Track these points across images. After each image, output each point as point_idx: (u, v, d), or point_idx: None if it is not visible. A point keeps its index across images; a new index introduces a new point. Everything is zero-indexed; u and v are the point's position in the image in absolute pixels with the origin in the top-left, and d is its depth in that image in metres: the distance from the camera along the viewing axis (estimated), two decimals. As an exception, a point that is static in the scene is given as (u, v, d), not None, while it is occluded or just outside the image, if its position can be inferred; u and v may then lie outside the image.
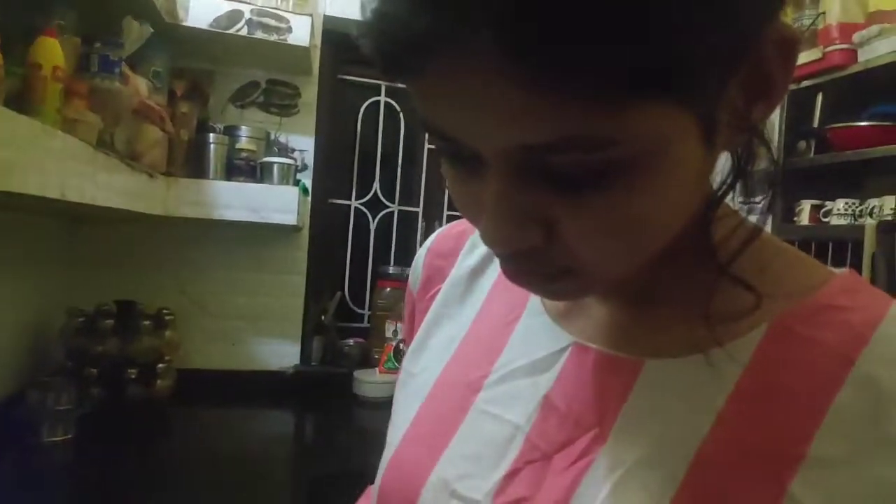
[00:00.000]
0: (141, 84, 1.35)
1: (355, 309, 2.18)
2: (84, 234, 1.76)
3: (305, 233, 1.95)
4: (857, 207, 1.49)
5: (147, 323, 1.61)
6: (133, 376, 1.55)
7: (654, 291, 0.41)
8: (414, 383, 0.50)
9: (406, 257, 2.24)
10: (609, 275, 0.37)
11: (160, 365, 1.62)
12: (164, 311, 1.70)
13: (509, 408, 0.43)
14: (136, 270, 1.81)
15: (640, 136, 0.29)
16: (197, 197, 1.61)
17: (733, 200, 0.40)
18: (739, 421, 0.36)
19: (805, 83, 1.56)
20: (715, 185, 0.39)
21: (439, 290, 0.53)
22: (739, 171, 0.38)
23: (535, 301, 0.47)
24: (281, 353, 1.93)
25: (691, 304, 0.39)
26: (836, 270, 0.40)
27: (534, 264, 0.35)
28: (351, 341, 2.04)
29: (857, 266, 1.36)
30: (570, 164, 0.31)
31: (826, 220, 1.54)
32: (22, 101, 0.94)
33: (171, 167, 1.56)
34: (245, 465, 1.45)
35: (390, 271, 2.08)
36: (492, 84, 0.28)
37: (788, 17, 1.66)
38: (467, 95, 0.29)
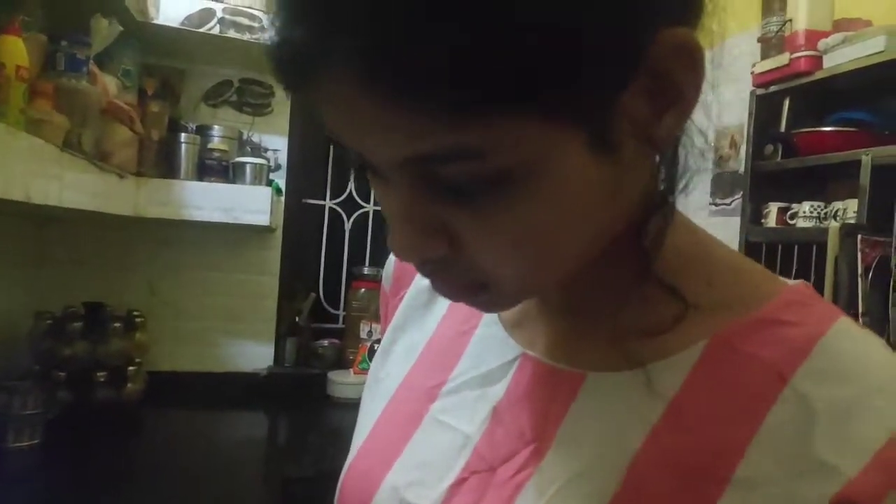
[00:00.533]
0: (110, 83, 1.33)
1: (330, 310, 2.17)
2: (52, 234, 1.73)
3: (279, 233, 1.94)
4: (822, 210, 1.52)
5: (117, 325, 1.59)
6: (102, 379, 1.53)
7: (597, 303, 0.41)
8: (378, 388, 0.50)
9: (381, 258, 2.21)
10: (523, 289, 0.38)
11: (130, 367, 1.60)
12: (134, 313, 1.68)
13: (461, 417, 0.43)
14: (105, 271, 1.78)
15: (508, 148, 0.30)
16: (168, 197, 1.59)
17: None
18: (673, 437, 0.36)
19: (773, 88, 1.59)
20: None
21: (406, 293, 0.53)
22: (668, 180, 0.38)
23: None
24: (254, 354, 1.92)
25: (634, 317, 0.39)
26: (789, 282, 0.40)
27: (447, 276, 0.36)
28: (325, 342, 2.03)
29: (822, 267, 1.39)
30: (456, 174, 0.31)
31: (793, 222, 1.58)
32: (-16, 102, 0.92)
33: (142, 167, 1.54)
34: (218, 468, 1.43)
35: (365, 272, 2.07)
36: (360, 104, 0.29)
37: (755, 22, 1.70)
38: (344, 113, 0.31)
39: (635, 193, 0.37)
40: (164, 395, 1.69)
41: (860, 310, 1.27)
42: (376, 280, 2.04)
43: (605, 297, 0.41)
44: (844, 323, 0.37)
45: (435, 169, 0.31)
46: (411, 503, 0.41)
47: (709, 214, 2.16)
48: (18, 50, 0.96)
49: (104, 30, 1.28)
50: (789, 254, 1.55)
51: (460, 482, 0.40)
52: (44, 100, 1.05)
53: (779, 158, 1.60)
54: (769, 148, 1.61)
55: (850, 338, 0.36)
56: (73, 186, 1.13)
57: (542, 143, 0.30)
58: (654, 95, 0.32)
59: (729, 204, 1.93)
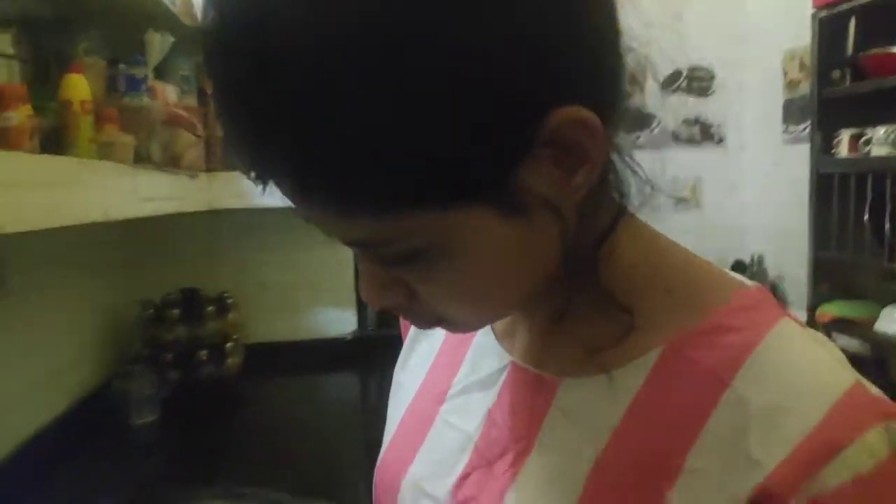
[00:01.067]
0: (170, 91, 1.43)
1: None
2: (147, 231, 1.91)
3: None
4: (899, 133, 1.42)
5: (210, 308, 1.75)
6: (204, 358, 1.70)
7: (571, 316, 0.45)
8: (399, 393, 0.57)
9: None
10: (475, 323, 0.44)
11: (228, 344, 1.77)
12: (225, 295, 1.84)
13: (464, 418, 0.49)
14: (197, 259, 1.94)
15: (416, 234, 0.35)
16: (239, 188, 1.70)
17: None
18: (631, 436, 0.40)
19: (837, 9, 1.47)
20: None
21: None
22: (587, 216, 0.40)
23: None
24: (339, 320, 2.05)
25: (594, 328, 0.43)
26: (746, 284, 0.43)
27: (412, 315, 0.42)
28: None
29: None
30: (386, 252, 0.37)
31: (866, 149, 1.48)
32: (58, 136, 1.04)
33: (211, 163, 1.66)
34: (315, 428, 1.58)
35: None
36: (303, 206, 0.36)
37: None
38: (300, 208, 0.37)
39: (579, 229, 0.40)
40: (261, 365, 1.86)
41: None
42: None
43: (573, 310, 0.44)
44: (781, 328, 0.40)
45: (371, 248, 0.37)
46: (429, 493, 0.48)
47: (783, 143, 2.06)
48: (82, 86, 1.06)
49: (158, 44, 1.37)
50: (863, 185, 1.46)
51: (465, 476, 0.47)
52: (110, 124, 1.16)
53: (847, 83, 1.49)
54: (836, 73, 1.50)
55: (783, 344, 0.39)
56: (147, 196, 1.25)
57: (446, 224, 0.35)
58: (560, 160, 0.36)
59: (802, 131, 1.83)
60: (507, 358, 0.48)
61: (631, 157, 0.44)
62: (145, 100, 1.27)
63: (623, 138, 0.42)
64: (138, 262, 1.90)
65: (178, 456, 1.44)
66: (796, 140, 1.90)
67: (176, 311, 1.70)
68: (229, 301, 1.82)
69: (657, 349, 0.41)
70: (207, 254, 1.95)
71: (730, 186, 2.31)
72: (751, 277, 1.65)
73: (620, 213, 0.42)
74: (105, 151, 1.12)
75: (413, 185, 0.33)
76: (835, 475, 0.34)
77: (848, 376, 0.38)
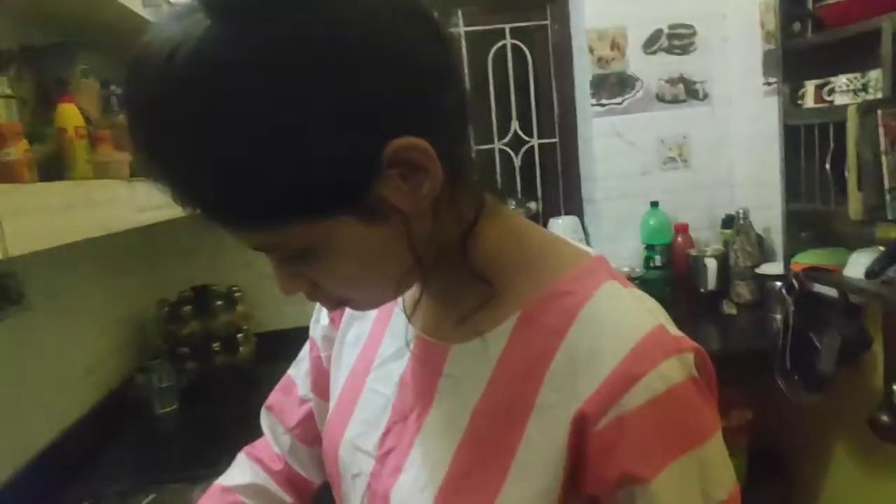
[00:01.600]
0: (160, 106, 1.53)
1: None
2: (158, 233, 2.03)
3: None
4: (859, 82, 1.45)
5: (219, 303, 1.87)
6: (218, 348, 1.83)
7: (453, 293, 0.56)
8: (339, 369, 0.68)
9: (550, 189, 2.49)
10: (369, 303, 0.54)
11: (239, 335, 1.89)
12: (234, 288, 1.96)
13: (384, 384, 0.60)
14: (206, 257, 2.06)
15: (296, 239, 0.45)
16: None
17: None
18: (500, 384, 0.51)
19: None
20: None
21: None
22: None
23: (400, 301, 0.62)
24: (344, 304, 2.16)
25: (467, 300, 0.53)
26: (591, 254, 0.54)
27: (319, 300, 0.52)
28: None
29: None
30: (279, 254, 0.47)
31: (830, 98, 1.52)
32: (57, 161, 1.14)
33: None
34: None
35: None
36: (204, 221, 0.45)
37: None
38: None
39: (442, 224, 0.50)
40: (271, 351, 1.98)
41: (886, 185, 1.25)
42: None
43: (453, 286, 0.55)
44: (605, 288, 0.50)
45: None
46: (361, 448, 0.59)
47: (764, 95, 2.08)
48: (74, 113, 1.16)
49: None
50: (826, 135, 1.51)
51: (387, 431, 0.58)
52: (105, 144, 1.26)
53: (809, 34, 1.53)
54: (797, 25, 1.54)
55: (604, 300, 0.50)
56: (146, 207, 1.36)
57: (320, 232, 0.45)
58: (407, 176, 0.45)
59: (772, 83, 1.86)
60: (411, 331, 0.59)
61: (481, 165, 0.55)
62: (135, 117, 1.37)
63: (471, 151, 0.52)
64: (151, 265, 2.03)
65: (198, 439, 1.58)
66: (775, 92, 1.93)
67: (189, 308, 1.82)
68: (237, 294, 1.94)
69: (516, 314, 0.52)
70: (214, 251, 2.07)
71: (717, 142, 2.34)
72: (737, 232, 1.74)
73: (481, 207, 0.52)
74: (101, 170, 1.22)
75: (288, 203, 0.43)
76: (634, 399, 0.45)
77: (651, 321, 0.48)
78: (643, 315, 0.49)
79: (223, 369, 1.82)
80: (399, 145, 0.43)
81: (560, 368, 0.48)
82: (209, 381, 1.80)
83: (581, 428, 0.46)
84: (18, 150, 0.97)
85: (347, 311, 0.69)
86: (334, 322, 0.71)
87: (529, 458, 0.48)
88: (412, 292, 0.58)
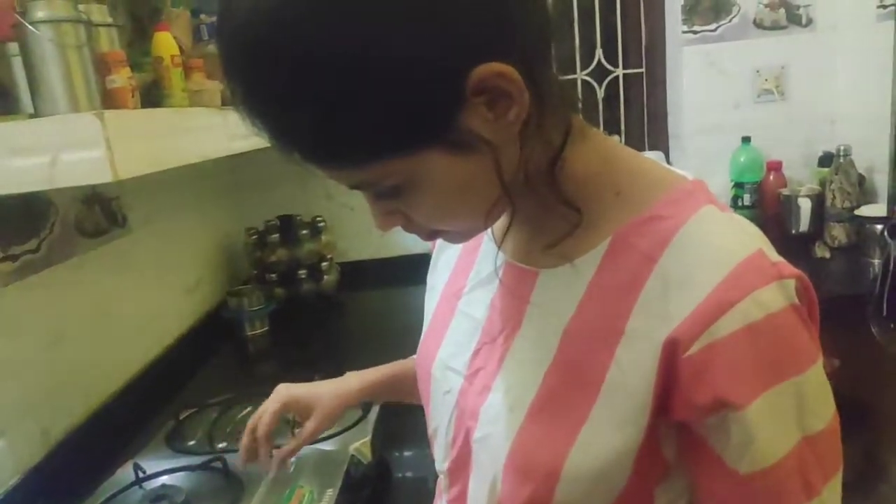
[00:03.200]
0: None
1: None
2: (243, 164, 2.10)
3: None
4: None
5: (304, 232, 1.93)
6: (304, 276, 1.90)
7: (542, 220, 0.56)
8: (431, 294, 0.71)
9: (633, 123, 2.38)
10: (462, 234, 0.55)
11: (324, 263, 1.96)
12: (318, 219, 2.01)
13: (475, 308, 0.62)
14: (291, 188, 2.12)
15: (390, 176, 0.46)
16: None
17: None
18: (589, 309, 0.51)
19: None
20: None
21: None
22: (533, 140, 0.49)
23: (488, 231, 0.63)
24: (419, 239, 2.18)
25: (557, 227, 0.53)
26: (688, 179, 0.53)
27: (414, 232, 0.54)
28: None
29: None
30: (374, 191, 0.48)
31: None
32: (155, 89, 1.19)
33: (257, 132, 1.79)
34: (401, 332, 1.74)
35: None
36: (302, 163, 0.47)
37: None
38: None
39: (530, 152, 0.49)
40: (355, 280, 2.05)
41: None
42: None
43: (542, 214, 0.55)
44: (702, 213, 0.49)
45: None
46: (452, 367, 0.62)
47: (877, 20, 1.91)
48: (169, 42, 1.20)
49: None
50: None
51: (476, 352, 0.60)
52: (198, 72, 1.30)
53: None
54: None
55: (701, 224, 0.48)
56: (238, 135, 1.40)
57: (411, 166, 0.45)
58: (492, 104, 0.44)
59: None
60: (501, 258, 0.59)
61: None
62: (225, 46, 1.40)
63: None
64: (238, 195, 2.11)
65: (285, 359, 1.67)
66: (890, 16, 1.76)
67: (276, 236, 1.89)
68: (321, 224, 2.00)
69: (607, 239, 0.51)
70: (298, 182, 2.13)
71: (818, 73, 2.17)
72: (836, 171, 1.65)
73: (568, 132, 0.51)
74: (195, 98, 1.27)
75: (380, 140, 0.44)
76: (728, 325, 0.44)
77: (750, 246, 0.46)
78: (741, 239, 0.47)
79: (309, 296, 1.90)
80: (483, 72, 0.42)
81: (652, 294, 0.48)
82: (296, 306, 1.88)
83: (672, 353, 0.46)
84: (122, 78, 1.02)
85: (439, 240, 0.71)
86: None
87: (618, 382, 0.48)
88: (501, 220, 0.58)
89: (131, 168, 1.05)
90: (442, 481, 0.66)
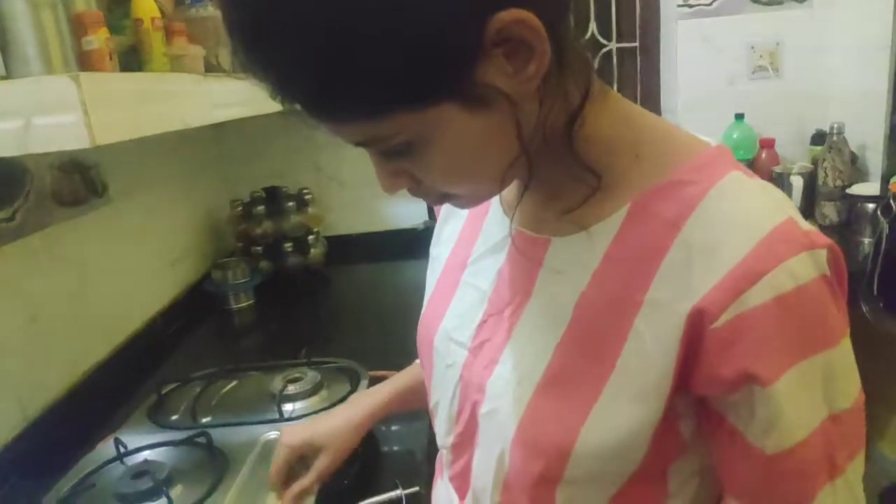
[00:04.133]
0: None
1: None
2: (228, 133, 2.05)
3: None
4: None
5: (290, 204, 1.89)
6: (290, 249, 1.87)
7: (557, 185, 0.53)
8: (434, 265, 0.68)
9: (626, 97, 2.29)
10: (472, 199, 0.52)
11: (310, 237, 1.92)
12: (304, 191, 1.97)
13: (480, 279, 0.59)
14: (277, 158, 2.08)
15: (400, 131, 0.42)
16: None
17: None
18: (607, 277, 0.48)
19: None
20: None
21: None
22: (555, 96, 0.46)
23: (496, 198, 0.60)
24: (411, 212, 2.16)
25: (573, 192, 0.50)
26: (711, 144, 0.49)
27: (421, 196, 0.51)
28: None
29: None
30: (383, 148, 0.44)
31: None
32: (134, 53, 1.14)
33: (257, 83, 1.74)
34: (390, 308, 1.73)
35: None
36: (308, 116, 0.43)
37: None
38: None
39: (548, 111, 0.46)
40: (341, 255, 2.02)
41: None
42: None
43: (557, 178, 0.52)
44: (729, 178, 0.46)
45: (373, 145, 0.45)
46: (455, 339, 0.60)
47: (875, -5, 1.88)
48: (150, 5, 1.15)
49: (215, -47, 1.42)
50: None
51: (482, 323, 0.57)
52: (179, 37, 1.25)
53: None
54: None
55: (729, 191, 0.45)
56: (221, 103, 1.36)
57: (423, 121, 0.42)
58: (511, 56, 0.41)
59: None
60: (510, 226, 0.57)
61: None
62: (210, 9, 1.35)
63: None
64: (222, 165, 2.06)
65: (270, 334, 1.64)
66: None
67: (261, 208, 1.85)
68: (307, 196, 1.96)
69: (626, 206, 0.48)
70: (286, 153, 2.08)
71: (813, 50, 2.14)
72: (829, 149, 1.62)
73: (587, 92, 0.48)
74: (177, 64, 1.22)
75: (390, 90, 0.40)
76: (758, 295, 0.41)
77: (780, 214, 0.44)
78: (772, 207, 0.44)
79: (295, 269, 1.87)
80: (503, 20, 0.39)
81: (674, 263, 0.45)
82: (282, 280, 1.85)
83: (697, 325, 0.43)
84: (100, 39, 0.97)
85: (443, 209, 0.69)
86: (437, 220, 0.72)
87: (635, 354, 0.46)
88: (510, 186, 0.55)
89: (109, 134, 1.01)
90: (444, 456, 0.64)
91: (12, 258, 1.10)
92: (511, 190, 0.56)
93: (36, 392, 1.13)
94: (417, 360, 0.82)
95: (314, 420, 0.86)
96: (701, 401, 0.46)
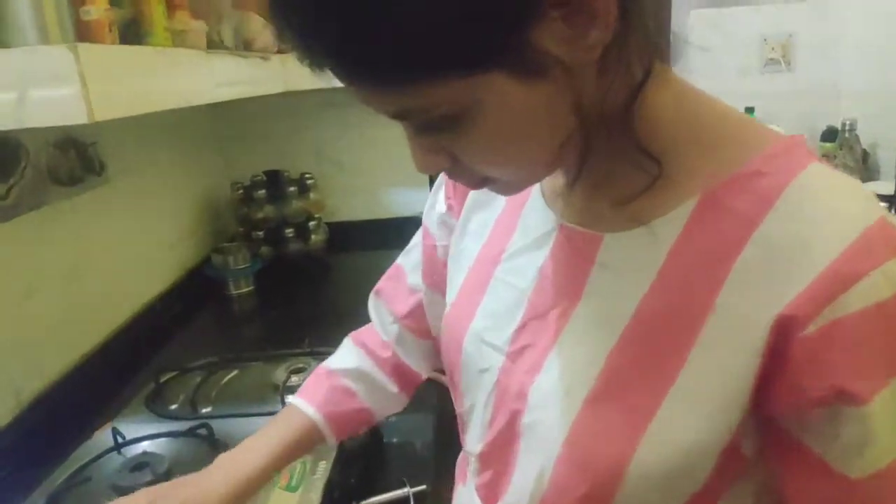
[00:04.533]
0: (237, -25, 1.45)
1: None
2: (228, 114, 2.00)
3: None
4: None
5: (292, 189, 1.85)
6: (291, 235, 1.83)
7: (610, 174, 0.48)
8: (459, 259, 0.62)
9: None
10: (516, 182, 0.47)
11: (311, 223, 1.88)
12: (306, 176, 1.93)
13: (517, 277, 0.54)
14: (278, 141, 2.03)
15: (444, 102, 0.38)
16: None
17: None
18: (671, 278, 0.44)
19: None
20: None
21: None
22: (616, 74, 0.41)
23: (536, 188, 0.55)
24: (412, 200, 2.12)
25: (630, 182, 0.45)
26: (783, 134, 0.45)
27: (458, 178, 0.46)
28: (476, 181, 2.16)
29: None
30: (422, 121, 0.40)
31: None
32: (134, 27, 1.09)
33: (284, 45, 1.69)
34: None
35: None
36: (344, 83, 0.40)
37: None
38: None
39: (607, 87, 0.42)
40: (343, 242, 1.98)
41: None
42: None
43: (610, 166, 0.47)
44: (812, 170, 0.41)
45: (412, 117, 0.41)
46: (489, 342, 0.54)
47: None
48: (151, -25, 1.10)
49: (220, -75, 1.37)
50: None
51: (522, 326, 0.52)
52: (181, 11, 1.20)
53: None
54: None
55: (812, 184, 0.41)
56: (224, 81, 1.31)
57: (470, 91, 0.38)
58: (571, 19, 0.37)
59: None
60: (553, 220, 0.52)
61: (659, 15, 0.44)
62: (213, -16, 1.30)
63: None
64: (222, 148, 2.01)
65: (270, 321, 1.60)
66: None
67: (262, 192, 1.81)
68: (310, 182, 1.91)
69: (694, 198, 0.44)
70: (287, 136, 2.03)
71: (827, 43, 2.11)
72: (840, 146, 1.59)
73: (651, 70, 0.43)
74: (179, 39, 1.17)
75: (436, 50, 0.36)
76: (854, 301, 0.37)
77: (873, 212, 0.39)
78: (862, 203, 0.40)
79: (296, 255, 1.83)
80: None
81: (751, 263, 0.41)
82: (282, 266, 1.81)
83: (784, 333, 0.39)
84: (99, 9, 0.92)
85: (470, 198, 0.63)
86: (453, 209, 0.65)
87: (703, 365, 0.41)
88: (554, 175, 0.51)
89: (109, 109, 0.96)
90: (472, 463, 0.59)
91: (6, 237, 1.05)
92: (553, 179, 0.52)
93: (30, 376, 1.09)
94: (287, 408, 0.71)
95: (183, 483, 0.65)
96: (768, 419, 0.42)
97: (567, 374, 0.47)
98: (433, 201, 0.69)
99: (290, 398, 0.73)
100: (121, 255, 1.41)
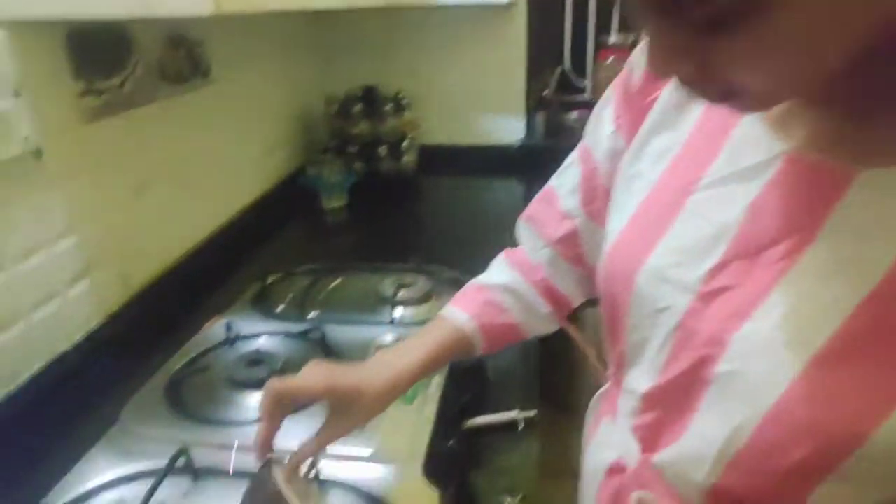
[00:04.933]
0: None
1: (576, 83, 2.16)
2: (327, 26, 1.95)
3: (522, 8, 1.92)
4: None
5: (388, 106, 1.80)
6: (384, 153, 1.79)
7: (874, 103, 0.40)
8: (632, 185, 0.55)
9: (629, 24, 2.08)
10: (779, 98, 0.40)
11: (404, 142, 1.84)
12: (400, 95, 1.87)
13: (717, 210, 0.47)
14: (374, 57, 1.97)
15: None
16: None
17: None
18: None
19: None
20: None
21: (658, 95, 0.54)
22: None
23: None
24: (507, 128, 2.04)
25: None
26: None
27: (696, 89, 0.39)
28: (574, 114, 2.06)
29: None
30: (708, 12, 0.33)
31: None
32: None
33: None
34: (481, 222, 1.65)
35: (612, 40, 1.99)
36: None
37: None
38: None
39: None
40: (434, 165, 1.94)
41: None
42: (623, 48, 1.97)
43: (881, 89, 0.39)
44: None
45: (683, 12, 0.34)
46: (673, 280, 0.48)
47: None
48: None
49: None
50: None
51: (721, 265, 0.45)
52: None
53: None
54: None
55: None
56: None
57: None
58: None
59: None
60: (777, 149, 0.44)
61: None
62: None
63: None
64: (322, 58, 1.97)
65: (363, 236, 1.59)
66: None
67: (359, 107, 1.77)
68: (404, 101, 1.86)
69: None
70: (382, 53, 1.97)
71: None
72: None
73: None
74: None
75: None
76: None
77: None
78: None
79: (388, 174, 1.80)
80: None
81: None
82: (374, 183, 1.79)
83: None
84: None
85: (650, 117, 0.55)
86: (622, 129, 0.59)
87: None
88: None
89: (232, 3, 0.92)
90: (627, 399, 0.55)
91: (120, 131, 1.05)
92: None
93: (139, 265, 1.11)
94: (439, 317, 0.68)
95: (347, 366, 0.63)
96: None
97: (789, 326, 0.41)
98: (597, 120, 0.62)
99: (443, 309, 0.70)
100: (221, 158, 1.41)
